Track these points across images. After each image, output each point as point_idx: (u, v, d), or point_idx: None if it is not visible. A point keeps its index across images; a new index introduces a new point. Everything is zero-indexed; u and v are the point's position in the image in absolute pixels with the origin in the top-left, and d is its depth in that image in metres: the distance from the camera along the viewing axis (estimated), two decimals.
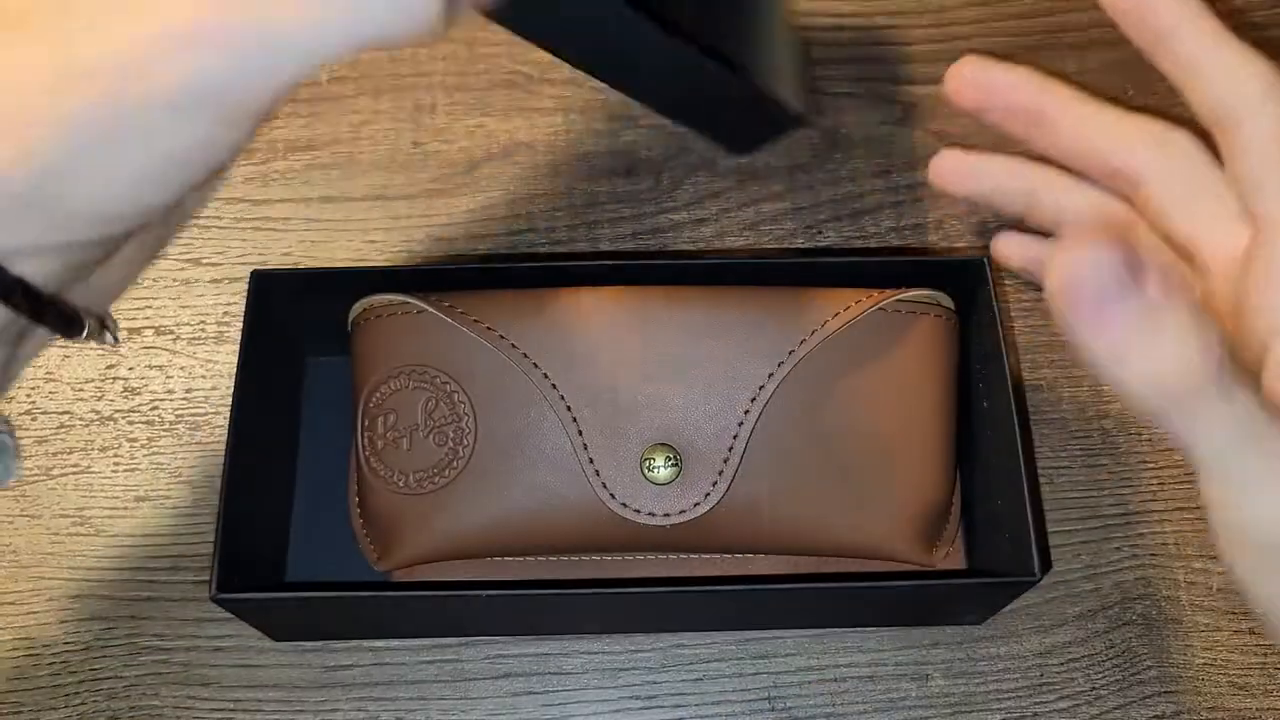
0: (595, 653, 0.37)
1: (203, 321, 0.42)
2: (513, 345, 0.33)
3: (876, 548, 0.34)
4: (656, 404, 0.33)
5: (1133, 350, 0.23)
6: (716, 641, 0.37)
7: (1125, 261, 0.23)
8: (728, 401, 0.33)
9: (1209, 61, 0.31)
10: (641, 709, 0.37)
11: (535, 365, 0.33)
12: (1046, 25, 0.49)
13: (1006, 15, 0.49)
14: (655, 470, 0.33)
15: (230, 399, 0.34)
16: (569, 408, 0.33)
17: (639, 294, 0.34)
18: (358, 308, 0.35)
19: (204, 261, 0.44)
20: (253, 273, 0.35)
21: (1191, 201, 0.30)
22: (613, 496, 0.33)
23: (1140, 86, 0.47)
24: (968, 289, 0.36)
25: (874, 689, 0.37)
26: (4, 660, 0.37)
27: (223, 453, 0.34)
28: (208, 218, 0.44)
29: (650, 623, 0.37)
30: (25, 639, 0.38)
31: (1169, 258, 0.31)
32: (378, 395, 0.34)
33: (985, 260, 0.35)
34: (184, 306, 0.43)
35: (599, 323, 0.34)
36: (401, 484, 0.34)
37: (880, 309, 0.34)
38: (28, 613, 0.38)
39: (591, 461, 0.33)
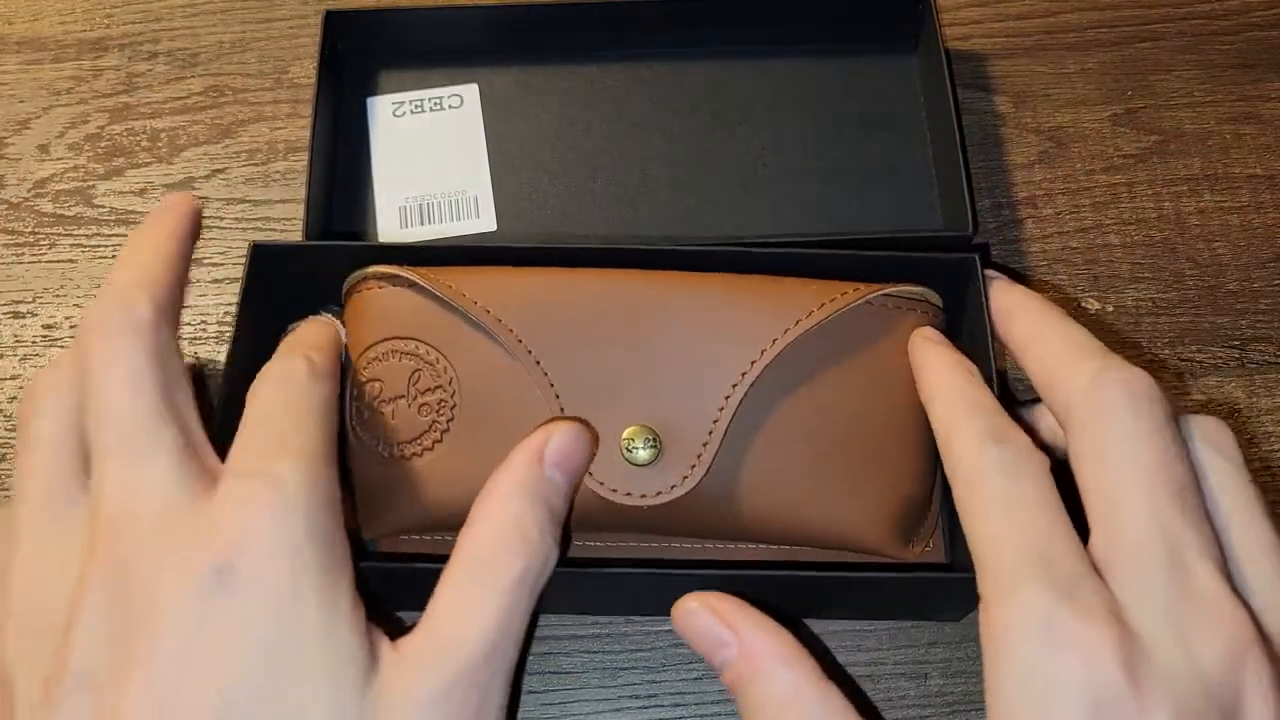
0: (595, 652, 0.37)
1: (204, 322, 0.43)
2: (499, 320, 0.34)
3: (852, 539, 0.34)
4: (638, 386, 0.33)
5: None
6: None
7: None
8: (709, 386, 0.33)
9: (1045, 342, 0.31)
10: (641, 708, 0.37)
11: (520, 341, 0.34)
12: (1046, 25, 0.49)
13: (1006, 15, 0.49)
14: (634, 451, 0.33)
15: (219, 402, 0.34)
16: (552, 384, 0.33)
17: (627, 277, 0.35)
18: (352, 279, 0.36)
19: (205, 262, 0.44)
20: (252, 243, 0.35)
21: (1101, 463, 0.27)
22: (590, 474, 0.33)
23: (1140, 87, 0.47)
24: (957, 286, 0.36)
25: (873, 688, 0.37)
26: None
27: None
28: (209, 219, 0.45)
29: (622, 605, 0.37)
30: None
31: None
32: (365, 365, 0.35)
33: (975, 258, 0.35)
34: (185, 307, 0.43)
35: (587, 303, 0.34)
36: (385, 453, 0.34)
37: (867, 302, 0.34)
38: None
39: None
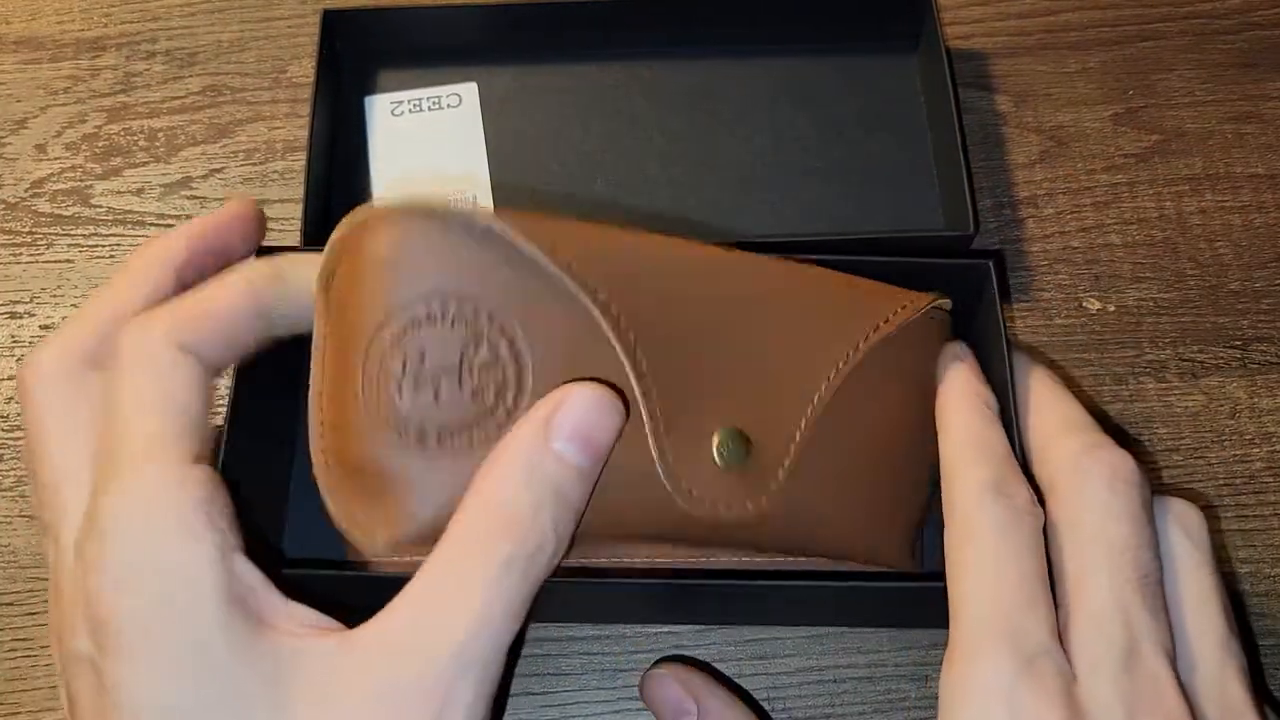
0: (595, 653, 0.37)
1: None
2: (595, 292, 0.27)
3: (876, 554, 0.33)
4: (732, 383, 0.30)
5: None
6: (715, 642, 0.37)
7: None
8: (798, 389, 0.30)
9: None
10: (641, 709, 0.37)
11: (619, 322, 0.28)
12: (1047, 25, 0.49)
13: (1006, 15, 0.49)
14: (726, 455, 0.29)
15: (228, 398, 0.34)
16: (645, 374, 0.28)
17: (729, 257, 0.30)
18: (379, 205, 0.28)
19: None
20: (259, 245, 0.33)
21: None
22: (679, 480, 0.29)
23: (1141, 86, 0.47)
24: (972, 290, 0.36)
25: (873, 689, 0.37)
26: (2, 661, 0.37)
27: (222, 453, 0.33)
28: None
29: (615, 615, 0.37)
30: (24, 639, 0.38)
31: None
32: (401, 330, 0.27)
33: (989, 264, 0.35)
34: None
35: (690, 282, 0.29)
36: (421, 442, 0.27)
37: (925, 312, 0.33)
38: (26, 613, 0.38)
39: (658, 437, 0.28)
